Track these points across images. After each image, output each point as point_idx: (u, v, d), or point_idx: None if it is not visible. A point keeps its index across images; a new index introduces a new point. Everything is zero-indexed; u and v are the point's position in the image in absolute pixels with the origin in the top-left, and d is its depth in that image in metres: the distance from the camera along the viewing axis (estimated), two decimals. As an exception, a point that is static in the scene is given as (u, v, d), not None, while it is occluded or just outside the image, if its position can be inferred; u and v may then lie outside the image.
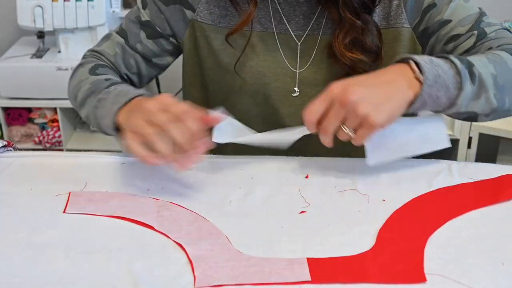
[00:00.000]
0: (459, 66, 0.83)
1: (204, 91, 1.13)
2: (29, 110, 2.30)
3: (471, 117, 0.89)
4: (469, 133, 2.22)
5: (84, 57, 1.10)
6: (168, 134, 0.79)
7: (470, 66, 0.84)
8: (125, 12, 2.29)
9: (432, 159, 0.95)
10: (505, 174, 0.90)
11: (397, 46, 1.01)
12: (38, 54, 2.22)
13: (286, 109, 1.07)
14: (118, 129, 0.88)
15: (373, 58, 1.00)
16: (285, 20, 1.03)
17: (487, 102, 0.86)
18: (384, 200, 0.84)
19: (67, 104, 2.28)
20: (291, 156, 0.97)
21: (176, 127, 0.79)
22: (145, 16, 1.06)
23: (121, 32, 1.08)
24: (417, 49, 1.02)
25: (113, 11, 2.24)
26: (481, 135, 2.18)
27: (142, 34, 1.07)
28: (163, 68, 1.13)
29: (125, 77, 1.10)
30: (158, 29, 1.07)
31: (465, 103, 0.84)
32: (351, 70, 0.99)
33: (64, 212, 0.81)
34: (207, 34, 1.05)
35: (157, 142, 0.79)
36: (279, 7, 1.03)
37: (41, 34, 2.25)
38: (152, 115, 0.80)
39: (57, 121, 2.27)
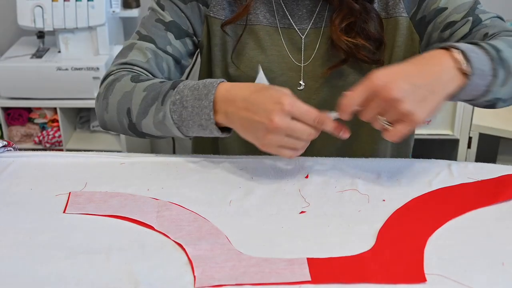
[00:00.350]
0: (491, 53, 0.82)
1: None
2: (29, 110, 2.29)
3: (492, 104, 0.88)
4: (469, 133, 2.22)
5: (111, 73, 1.01)
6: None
7: (498, 52, 0.83)
8: (125, 12, 2.29)
9: (432, 159, 0.95)
10: (505, 174, 0.90)
11: (396, 35, 1.02)
12: (38, 54, 2.22)
13: None
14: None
15: (376, 46, 1.01)
16: (288, 15, 1.04)
17: (511, 87, 0.85)
18: (384, 200, 0.84)
19: (67, 104, 2.29)
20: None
21: (309, 134, 0.82)
22: (167, 17, 1.04)
23: (146, 38, 1.03)
24: (415, 38, 1.03)
25: (113, 11, 2.24)
26: (481, 135, 2.18)
27: (170, 36, 1.04)
28: (184, 70, 1.10)
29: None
30: (184, 28, 1.05)
31: (496, 89, 0.83)
32: (348, 55, 1.00)
33: (64, 212, 0.81)
34: (218, 29, 1.05)
35: (296, 145, 0.82)
36: (282, 2, 1.04)
37: (41, 34, 2.25)
38: (294, 132, 0.81)
39: (57, 121, 2.26)
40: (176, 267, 0.70)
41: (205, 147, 1.18)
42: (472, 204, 0.83)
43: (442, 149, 2.29)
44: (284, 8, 1.04)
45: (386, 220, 0.79)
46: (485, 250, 0.74)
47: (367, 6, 0.99)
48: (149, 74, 1.01)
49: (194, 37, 1.07)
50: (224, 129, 0.88)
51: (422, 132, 2.13)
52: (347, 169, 0.92)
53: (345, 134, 0.83)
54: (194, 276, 0.68)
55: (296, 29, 1.05)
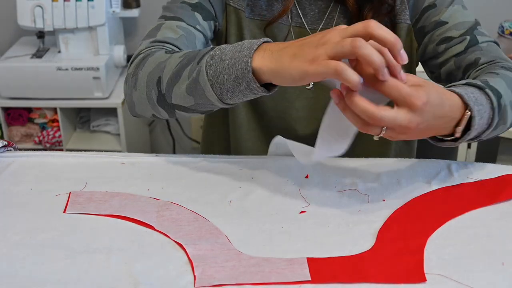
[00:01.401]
0: (494, 102, 0.81)
1: None
2: (29, 110, 2.29)
3: (475, 139, 0.86)
4: (469, 133, 2.22)
5: (141, 52, 0.95)
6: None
7: (499, 98, 0.83)
8: (125, 12, 2.29)
9: (432, 159, 0.95)
10: (505, 174, 0.90)
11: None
12: (38, 54, 2.22)
13: (300, 102, 1.09)
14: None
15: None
16: (300, 14, 1.05)
17: (500, 131, 0.88)
18: (384, 200, 0.84)
19: (67, 104, 2.29)
20: (291, 156, 0.97)
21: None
22: None
23: (174, 18, 1.00)
24: (413, 46, 1.04)
25: (113, 11, 2.24)
26: (481, 135, 2.18)
27: (198, 16, 1.01)
28: None
29: None
30: (209, 10, 1.03)
31: (485, 135, 0.84)
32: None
33: (64, 212, 0.82)
34: (239, 20, 1.05)
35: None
36: (295, 1, 1.04)
37: (41, 34, 2.25)
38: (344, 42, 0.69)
39: (57, 121, 2.27)
40: (176, 267, 0.70)
41: (215, 146, 1.18)
42: (472, 204, 0.83)
43: (442, 149, 2.29)
44: (297, 7, 1.05)
45: (386, 220, 0.79)
46: (485, 250, 0.74)
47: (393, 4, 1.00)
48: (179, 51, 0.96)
49: (217, 22, 1.06)
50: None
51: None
52: (347, 169, 0.92)
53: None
54: (194, 276, 0.69)
55: (307, 29, 1.05)
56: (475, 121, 0.78)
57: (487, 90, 0.82)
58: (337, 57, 0.70)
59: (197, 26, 1.01)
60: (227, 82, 0.77)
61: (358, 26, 0.71)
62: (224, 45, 0.80)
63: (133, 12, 2.31)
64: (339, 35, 0.71)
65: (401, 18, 1.02)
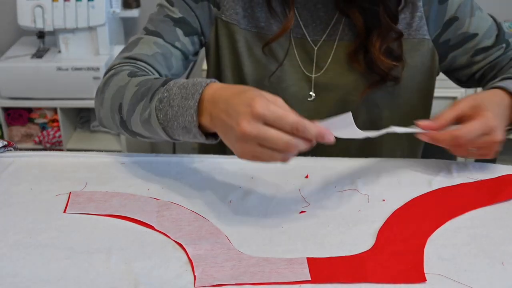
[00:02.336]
0: None
1: None
2: (29, 110, 2.30)
3: None
4: (469, 133, 2.21)
5: (113, 67, 0.98)
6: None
7: None
8: (125, 12, 2.30)
9: (432, 159, 0.95)
10: (505, 174, 0.90)
11: (415, 56, 1.03)
12: (38, 54, 2.23)
13: (301, 114, 1.06)
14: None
15: (402, 65, 1.02)
16: (302, 25, 1.03)
17: None
18: (384, 200, 0.84)
19: (67, 104, 2.29)
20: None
21: (295, 146, 0.70)
22: (176, 13, 1.02)
23: (154, 33, 1.01)
24: (435, 59, 1.05)
25: (113, 11, 2.24)
26: (481, 135, 2.17)
27: (179, 32, 1.02)
28: (188, 66, 1.08)
29: (154, 74, 1.00)
30: (193, 26, 1.03)
31: None
32: (385, 77, 1.02)
33: (64, 212, 0.82)
34: (231, 33, 1.04)
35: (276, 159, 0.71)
36: (296, 12, 1.03)
37: (41, 34, 2.25)
38: (267, 141, 0.69)
39: (57, 121, 2.27)
40: (176, 267, 0.70)
41: (211, 147, 1.17)
42: (472, 204, 0.83)
43: (442, 149, 2.29)
44: (298, 18, 1.03)
45: (386, 220, 0.79)
46: (485, 250, 0.74)
47: (393, 27, 0.99)
48: (152, 70, 0.98)
49: (202, 37, 1.06)
50: (211, 135, 0.79)
51: (422, 132, 2.12)
52: (347, 169, 0.92)
53: (330, 138, 0.72)
54: (194, 276, 0.69)
55: (309, 40, 1.04)
56: None
57: None
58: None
59: (176, 43, 1.02)
60: (176, 128, 0.78)
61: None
62: (172, 83, 0.80)
63: (133, 12, 2.31)
64: (252, 125, 0.69)
65: (420, 33, 1.02)
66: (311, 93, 1.06)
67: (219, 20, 1.04)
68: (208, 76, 1.13)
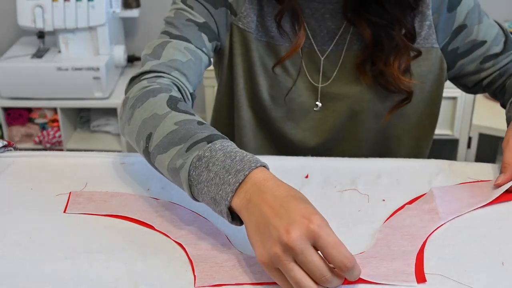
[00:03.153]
0: None
1: (232, 99, 1.10)
2: (29, 110, 2.30)
3: None
4: (469, 133, 2.22)
5: (144, 75, 0.91)
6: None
7: None
8: (125, 12, 2.30)
9: (432, 159, 0.95)
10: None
11: (424, 65, 1.03)
12: (38, 54, 2.23)
13: (307, 123, 1.08)
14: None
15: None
16: (310, 35, 1.02)
17: None
18: (384, 200, 0.84)
19: (67, 104, 2.29)
20: (291, 156, 0.98)
21: (327, 282, 0.64)
22: (199, 17, 0.99)
23: (181, 37, 0.96)
24: (443, 67, 1.04)
25: (113, 11, 2.24)
26: (481, 135, 2.18)
27: (205, 37, 0.99)
28: None
29: (193, 89, 0.96)
30: (214, 31, 1.00)
31: None
32: (410, 95, 1.01)
33: (64, 212, 0.82)
34: (246, 42, 1.02)
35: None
36: (304, 21, 1.01)
37: (41, 34, 2.26)
38: (305, 263, 0.62)
39: (57, 121, 2.27)
40: (176, 267, 0.71)
41: (222, 132, 1.15)
42: (472, 204, 0.83)
43: (442, 149, 2.29)
44: (306, 28, 1.02)
45: (386, 220, 0.79)
46: (485, 250, 0.74)
47: (412, 47, 0.99)
48: (186, 83, 0.94)
49: (219, 43, 1.03)
50: (236, 217, 0.71)
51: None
52: (347, 169, 0.92)
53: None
54: (194, 276, 0.69)
55: (317, 50, 1.03)
56: None
57: None
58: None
59: (204, 49, 0.99)
60: (205, 193, 0.71)
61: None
62: (219, 144, 0.72)
63: (133, 12, 2.31)
64: (302, 239, 0.62)
65: (428, 42, 1.01)
66: (317, 102, 1.05)
67: (235, 27, 1.02)
68: (219, 83, 1.12)
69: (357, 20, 0.99)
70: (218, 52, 1.06)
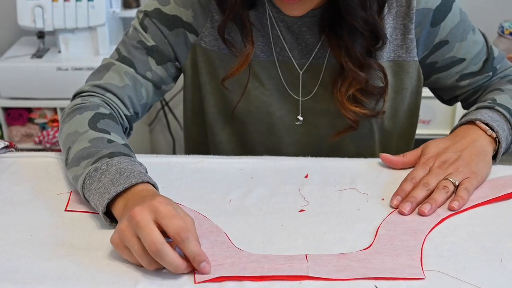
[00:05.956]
0: (507, 116, 0.94)
1: (204, 118, 1.10)
2: (29, 110, 2.29)
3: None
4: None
5: (82, 93, 0.98)
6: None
7: (509, 111, 0.95)
8: (125, 12, 2.30)
9: (431, 158, 0.95)
10: (505, 174, 0.90)
11: (404, 78, 1.02)
12: (38, 54, 2.22)
13: (290, 138, 1.07)
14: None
15: (376, 100, 1.00)
16: (287, 48, 0.99)
17: None
18: (383, 199, 0.85)
19: (67, 104, 2.29)
20: (291, 156, 0.98)
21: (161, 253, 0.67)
22: (149, 40, 1.00)
23: (126, 60, 1.00)
24: (421, 79, 1.04)
25: (113, 11, 2.24)
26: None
27: (152, 61, 1.00)
28: (164, 94, 1.07)
29: (130, 112, 1.01)
30: (166, 54, 1.01)
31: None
32: (355, 123, 1.00)
33: (65, 210, 0.82)
34: (211, 60, 1.01)
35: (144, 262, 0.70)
36: (280, 35, 0.99)
37: (41, 34, 2.25)
38: (142, 232, 0.68)
39: (57, 121, 2.27)
40: (177, 265, 0.71)
41: (197, 149, 1.15)
42: (470, 202, 0.83)
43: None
44: (283, 41, 0.99)
45: (385, 218, 0.80)
46: (483, 247, 0.74)
47: (370, 63, 0.95)
48: (119, 103, 0.98)
49: (177, 62, 1.03)
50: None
51: (422, 132, 2.13)
52: (346, 169, 0.92)
53: (205, 269, 0.69)
54: (194, 273, 0.69)
55: (295, 63, 1.00)
56: (500, 134, 0.91)
57: (497, 108, 0.94)
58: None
59: (147, 74, 1.01)
60: (91, 200, 0.79)
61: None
62: (116, 161, 0.80)
63: (133, 12, 2.31)
64: (144, 213, 0.69)
65: (410, 55, 0.99)
66: (298, 117, 1.04)
67: (198, 47, 1.01)
68: (185, 102, 1.11)
69: (331, 36, 0.96)
70: (182, 71, 1.06)
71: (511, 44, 2.01)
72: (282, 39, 0.99)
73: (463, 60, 1.02)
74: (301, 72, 1.01)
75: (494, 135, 0.91)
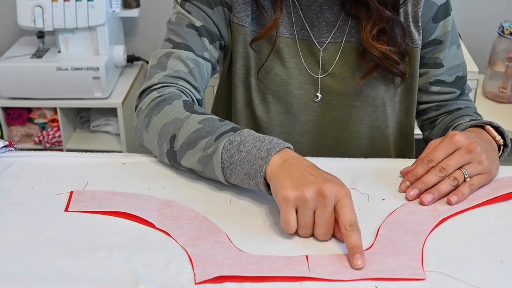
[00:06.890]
0: (501, 129, 0.95)
1: (230, 93, 1.12)
2: (29, 110, 2.30)
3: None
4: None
5: (154, 87, 0.96)
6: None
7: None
8: (125, 12, 2.29)
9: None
10: (505, 174, 0.90)
11: (415, 65, 1.04)
12: (38, 54, 2.22)
13: (306, 116, 1.08)
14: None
15: (400, 58, 1.01)
16: (307, 27, 1.03)
17: None
18: (383, 199, 0.84)
19: (67, 104, 2.29)
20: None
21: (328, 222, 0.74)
22: (197, 22, 1.01)
23: (182, 46, 1.00)
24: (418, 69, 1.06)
25: (113, 11, 2.24)
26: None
27: (205, 41, 1.01)
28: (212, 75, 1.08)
29: (200, 95, 1.01)
30: (213, 32, 1.02)
31: None
32: (380, 62, 1.00)
33: (66, 210, 0.82)
34: (243, 36, 1.04)
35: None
36: (301, 14, 1.02)
37: (41, 34, 2.25)
38: (322, 209, 0.72)
39: (57, 121, 2.27)
40: (176, 265, 0.71)
41: None
42: (471, 203, 0.83)
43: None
44: (304, 20, 1.03)
45: (386, 218, 0.80)
46: (484, 248, 0.74)
47: (394, 17, 0.98)
48: (192, 90, 0.98)
49: (222, 41, 1.05)
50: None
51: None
52: (346, 169, 0.92)
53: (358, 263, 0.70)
54: (194, 274, 0.69)
55: (315, 41, 1.04)
56: (503, 128, 0.93)
57: (489, 121, 0.95)
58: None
59: (205, 54, 1.01)
60: (238, 172, 0.80)
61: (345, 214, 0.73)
62: (246, 132, 0.81)
63: (133, 12, 2.31)
64: (332, 194, 0.73)
65: (416, 43, 1.02)
66: (317, 94, 1.06)
67: (233, 23, 1.03)
68: (221, 78, 1.14)
69: (356, 11, 0.99)
70: (223, 49, 1.07)
71: (511, 44, 2.01)
72: (302, 17, 1.03)
73: (442, 66, 1.05)
74: (321, 51, 1.04)
75: (501, 141, 0.92)
